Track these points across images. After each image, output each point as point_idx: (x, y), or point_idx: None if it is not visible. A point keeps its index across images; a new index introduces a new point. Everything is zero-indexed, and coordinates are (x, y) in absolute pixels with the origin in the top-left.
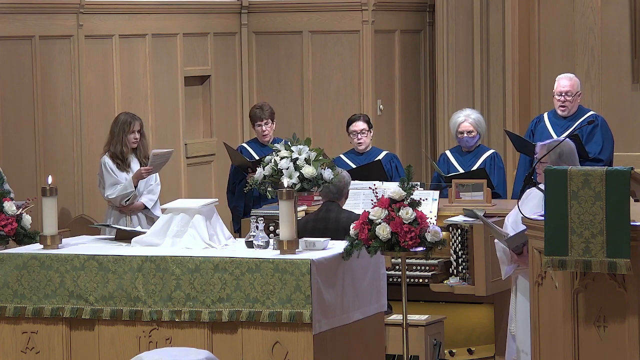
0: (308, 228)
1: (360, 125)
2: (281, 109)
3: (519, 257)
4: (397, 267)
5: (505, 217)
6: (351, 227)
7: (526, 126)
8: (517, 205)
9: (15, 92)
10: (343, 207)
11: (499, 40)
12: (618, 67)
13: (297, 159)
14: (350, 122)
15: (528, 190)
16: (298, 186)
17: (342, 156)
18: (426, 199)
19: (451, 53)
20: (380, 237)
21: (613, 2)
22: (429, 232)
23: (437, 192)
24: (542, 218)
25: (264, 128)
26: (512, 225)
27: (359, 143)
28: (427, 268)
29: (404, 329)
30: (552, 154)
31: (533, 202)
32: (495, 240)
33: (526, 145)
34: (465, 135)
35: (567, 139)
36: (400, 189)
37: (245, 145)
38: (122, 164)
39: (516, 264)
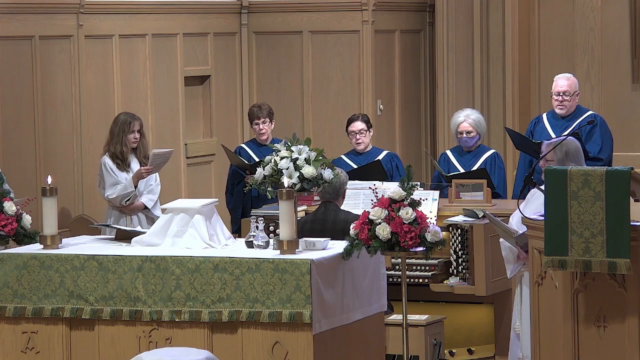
0: (306, 229)
1: (358, 125)
2: (281, 109)
3: (528, 255)
4: (397, 267)
5: (505, 216)
6: (351, 227)
7: (526, 126)
8: (517, 206)
9: (15, 92)
10: (341, 208)
11: (499, 40)
12: (618, 67)
13: (297, 159)
14: (349, 122)
15: (532, 190)
16: (298, 186)
17: (342, 157)
18: (426, 199)
19: (451, 53)
20: (380, 237)
21: (613, 2)
22: (429, 232)
23: (437, 192)
24: (542, 218)
25: (261, 127)
26: (517, 224)
27: (358, 143)
28: (427, 268)
29: (404, 329)
30: (559, 152)
31: (538, 202)
32: (501, 240)
33: (526, 144)
34: (464, 135)
35: (571, 137)
36: (400, 189)
37: (243, 145)
38: (122, 164)
39: (522, 262)
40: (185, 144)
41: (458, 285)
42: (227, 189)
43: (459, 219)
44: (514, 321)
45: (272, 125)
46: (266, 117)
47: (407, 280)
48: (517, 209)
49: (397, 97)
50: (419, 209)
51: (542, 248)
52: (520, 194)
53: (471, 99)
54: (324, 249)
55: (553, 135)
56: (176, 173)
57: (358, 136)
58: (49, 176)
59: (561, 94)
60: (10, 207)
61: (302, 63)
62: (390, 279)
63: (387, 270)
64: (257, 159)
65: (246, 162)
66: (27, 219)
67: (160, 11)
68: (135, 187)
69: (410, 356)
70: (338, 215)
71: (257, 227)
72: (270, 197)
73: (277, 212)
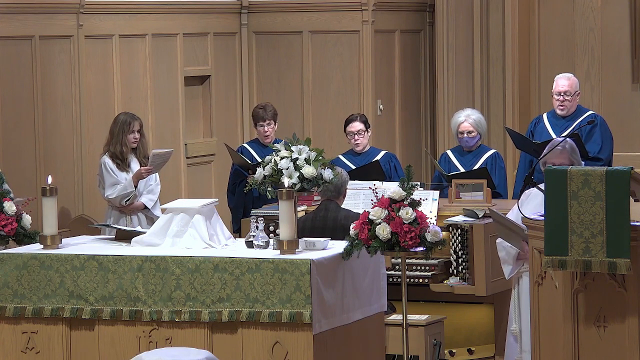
0: (306, 227)
1: (357, 126)
2: (281, 109)
3: None
4: (397, 267)
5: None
6: (351, 227)
7: (526, 126)
8: (516, 205)
9: (15, 92)
10: (342, 206)
11: (499, 40)
12: (618, 67)
13: (297, 159)
14: (347, 122)
15: (528, 191)
16: (298, 186)
17: (340, 157)
18: (426, 199)
19: (451, 53)
20: (380, 237)
21: (613, 2)
22: (429, 232)
23: (437, 192)
24: (542, 218)
25: (266, 129)
26: None
27: (356, 144)
28: (427, 268)
29: (404, 329)
30: (574, 154)
31: (534, 202)
32: (498, 241)
33: (527, 143)
34: (465, 135)
35: (567, 138)
36: (400, 189)
37: (246, 145)
38: (122, 164)
39: (523, 261)
40: (185, 144)
41: (458, 285)
42: (229, 188)
43: (459, 219)
44: (510, 323)
45: (276, 127)
46: (271, 119)
47: (407, 280)
48: (513, 209)
49: (397, 97)
50: (419, 209)
51: (542, 248)
52: (520, 194)
53: (471, 99)
54: (324, 249)
55: (553, 135)
56: (176, 173)
57: (356, 137)
58: (49, 176)
59: (562, 94)
60: (10, 207)
61: (302, 63)
62: (390, 279)
63: (387, 270)
64: (259, 159)
65: (249, 161)
66: (27, 219)
67: (160, 11)
68: (135, 187)
69: (410, 356)
70: (339, 213)
71: (257, 227)
72: (270, 197)
73: (277, 212)
